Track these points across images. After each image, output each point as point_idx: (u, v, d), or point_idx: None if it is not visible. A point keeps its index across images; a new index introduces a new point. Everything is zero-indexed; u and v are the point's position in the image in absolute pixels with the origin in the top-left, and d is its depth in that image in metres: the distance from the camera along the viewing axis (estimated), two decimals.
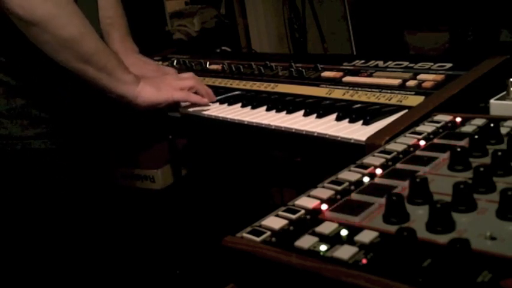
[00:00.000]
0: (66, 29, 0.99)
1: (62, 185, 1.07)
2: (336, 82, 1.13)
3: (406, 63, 1.12)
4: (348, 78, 1.13)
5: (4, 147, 1.03)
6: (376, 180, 0.60)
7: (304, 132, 0.93)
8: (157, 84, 1.16)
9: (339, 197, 0.58)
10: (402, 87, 1.02)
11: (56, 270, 1.06)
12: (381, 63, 1.16)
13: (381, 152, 0.68)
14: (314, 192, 0.59)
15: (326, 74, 1.18)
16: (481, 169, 0.53)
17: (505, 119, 0.71)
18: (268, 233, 0.52)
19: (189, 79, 1.21)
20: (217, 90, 1.25)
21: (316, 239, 0.49)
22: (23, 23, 0.95)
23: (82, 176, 1.12)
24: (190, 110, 1.18)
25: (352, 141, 0.84)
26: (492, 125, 0.65)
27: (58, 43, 0.99)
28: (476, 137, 0.62)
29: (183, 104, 1.19)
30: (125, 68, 1.11)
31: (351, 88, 1.08)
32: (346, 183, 0.60)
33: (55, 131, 1.07)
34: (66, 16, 0.99)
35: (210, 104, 1.19)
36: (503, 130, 0.67)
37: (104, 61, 1.05)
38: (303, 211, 0.56)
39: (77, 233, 1.09)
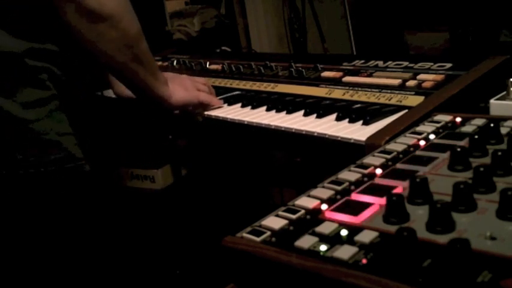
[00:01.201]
0: (133, 25, 0.96)
1: (92, 186, 1.06)
2: (335, 82, 1.13)
3: (406, 63, 1.12)
4: (347, 78, 1.13)
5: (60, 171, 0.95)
6: (376, 180, 0.60)
7: (304, 132, 0.93)
8: (183, 84, 1.15)
9: (339, 197, 0.58)
10: (402, 87, 1.02)
11: (56, 270, 1.06)
12: (380, 63, 1.16)
13: (381, 152, 0.68)
14: (314, 192, 0.59)
15: (326, 74, 1.18)
16: (481, 169, 0.53)
17: (505, 119, 0.71)
18: (268, 233, 0.52)
19: (204, 83, 1.20)
20: (217, 90, 1.25)
21: (316, 239, 0.49)
22: (90, 19, 0.90)
23: (103, 175, 1.12)
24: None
25: (352, 141, 0.84)
26: (492, 125, 0.65)
27: (123, 41, 0.95)
28: (476, 137, 0.62)
29: None
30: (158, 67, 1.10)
31: (350, 88, 1.08)
32: (346, 183, 0.60)
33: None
34: (132, 11, 0.96)
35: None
36: (503, 130, 0.67)
37: (151, 61, 1.04)
38: (303, 211, 0.56)
39: (77, 232, 1.09)
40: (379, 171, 0.62)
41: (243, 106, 1.13)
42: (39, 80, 0.93)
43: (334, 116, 0.96)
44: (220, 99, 1.20)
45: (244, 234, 0.53)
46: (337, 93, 1.08)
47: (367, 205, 0.54)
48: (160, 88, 1.09)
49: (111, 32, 0.93)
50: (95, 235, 1.08)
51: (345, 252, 0.46)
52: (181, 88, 1.13)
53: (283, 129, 0.97)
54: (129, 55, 0.99)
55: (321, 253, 0.47)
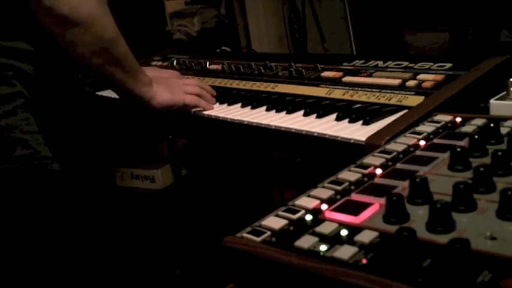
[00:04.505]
0: (107, 29, 0.97)
1: (62, 185, 1.06)
2: (335, 82, 1.13)
3: (406, 63, 1.12)
4: (347, 78, 1.13)
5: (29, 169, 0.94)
6: (376, 180, 0.60)
7: (304, 132, 0.93)
8: (169, 87, 1.15)
9: (339, 197, 0.58)
10: (402, 87, 1.02)
11: (56, 270, 1.06)
12: (380, 63, 1.16)
13: (381, 152, 0.68)
14: (314, 192, 0.59)
15: (326, 74, 1.18)
16: (481, 169, 0.53)
17: (505, 119, 0.71)
18: (268, 233, 0.52)
19: (194, 85, 1.20)
20: (217, 90, 1.25)
21: (316, 239, 0.49)
22: (62, 24, 0.92)
23: (82, 175, 1.12)
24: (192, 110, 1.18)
25: (352, 141, 0.84)
26: (492, 125, 0.65)
27: (97, 45, 0.96)
28: (476, 137, 0.62)
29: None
30: (142, 69, 1.11)
31: (350, 88, 1.08)
32: (346, 183, 0.60)
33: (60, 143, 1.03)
34: (106, 16, 0.97)
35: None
36: (503, 130, 0.67)
37: (130, 63, 1.05)
38: (303, 211, 0.56)
39: (77, 233, 1.09)
40: (379, 171, 0.62)
41: (243, 106, 1.13)
42: (3, 76, 0.93)
43: (334, 116, 0.96)
44: (220, 99, 1.20)
45: (244, 234, 0.53)
46: (337, 93, 1.08)
47: (367, 205, 0.54)
48: (141, 89, 1.09)
49: (84, 36, 0.94)
50: (76, 235, 1.07)
51: (345, 252, 0.46)
52: (166, 90, 1.13)
53: (283, 129, 0.97)
54: (105, 58, 1.00)
55: (321, 253, 0.47)
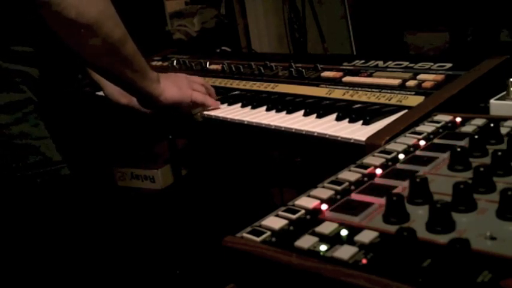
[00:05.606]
0: (115, 31, 0.96)
1: (72, 189, 1.06)
2: (335, 82, 1.13)
3: (406, 63, 1.12)
4: (347, 78, 1.13)
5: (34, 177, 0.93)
6: (376, 180, 0.60)
7: (304, 132, 0.93)
8: (176, 82, 1.15)
9: (339, 197, 0.58)
10: (402, 87, 1.02)
11: (55, 270, 1.06)
12: (380, 63, 1.16)
13: (381, 152, 0.68)
14: (314, 192, 0.59)
15: (326, 74, 1.18)
16: (481, 169, 0.53)
17: (505, 119, 0.71)
18: (268, 233, 0.52)
19: (201, 83, 1.20)
20: (217, 90, 1.25)
21: (316, 239, 0.49)
22: (70, 27, 0.91)
23: (82, 175, 1.12)
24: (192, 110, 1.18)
25: (352, 141, 0.84)
26: (492, 125, 0.65)
27: (106, 46, 0.96)
28: (476, 137, 0.62)
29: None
30: (149, 65, 1.11)
31: (350, 88, 1.08)
32: (346, 183, 0.60)
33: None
34: (113, 17, 0.96)
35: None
36: (503, 130, 0.67)
37: (139, 62, 1.05)
38: (303, 211, 0.55)
39: (77, 232, 1.09)
40: (379, 171, 0.62)
41: (243, 106, 1.13)
42: (11, 83, 0.92)
43: (334, 116, 0.96)
44: (220, 99, 1.20)
45: (244, 234, 0.53)
46: (337, 93, 1.08)
47: (367, 205, 0.54)
48: (149, 86, 1.09)
49: (92, 39, 0.94)
50: (82, 236, 1.07)
51: (345, 252, 0.46)
52: (174, 86, 1.13)
53: (283, 129, 0.97)
54: (114, 58, 1.00)
55: (321, 253, 0.47)
